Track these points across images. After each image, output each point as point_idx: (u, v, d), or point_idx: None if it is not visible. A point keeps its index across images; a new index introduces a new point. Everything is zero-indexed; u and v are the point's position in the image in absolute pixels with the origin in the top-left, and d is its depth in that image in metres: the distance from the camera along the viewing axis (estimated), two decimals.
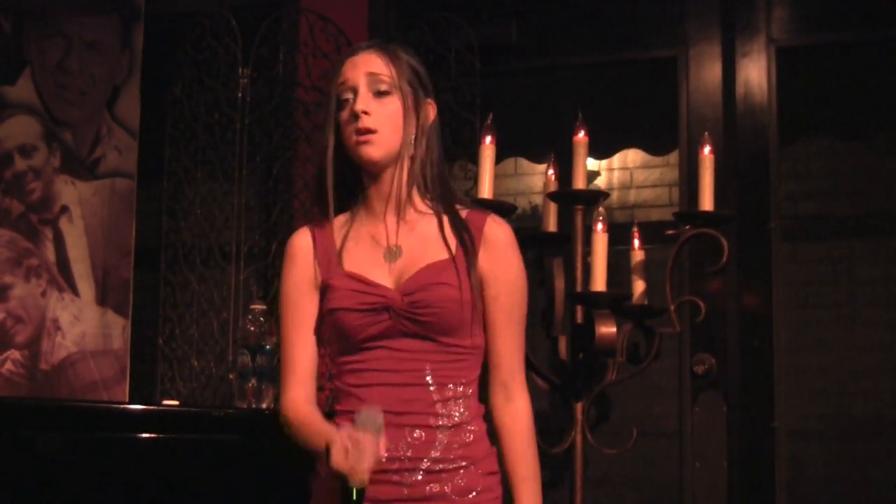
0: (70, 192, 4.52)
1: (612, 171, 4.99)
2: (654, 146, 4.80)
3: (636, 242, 4.13)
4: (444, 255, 2.48)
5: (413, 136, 2.52)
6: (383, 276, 2.48)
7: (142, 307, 4.75)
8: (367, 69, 2.50)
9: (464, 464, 2.45)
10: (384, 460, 2.31)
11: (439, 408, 2.45)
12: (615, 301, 4.03)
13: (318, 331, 2.55)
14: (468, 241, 2.49)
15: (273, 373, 3.74)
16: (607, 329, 3.98)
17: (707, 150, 3.95)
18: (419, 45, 4.56)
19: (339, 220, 2.57)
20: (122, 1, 4.77)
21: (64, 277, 4.46)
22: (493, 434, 2.56)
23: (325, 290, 2.50)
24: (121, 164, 4.70)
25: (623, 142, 4.83)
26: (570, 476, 4.00)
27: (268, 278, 4.43)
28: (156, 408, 3.64)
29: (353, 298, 2.46)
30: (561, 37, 4.80)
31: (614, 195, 4.83)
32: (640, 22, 4.76)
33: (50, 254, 4.43)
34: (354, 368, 2.48)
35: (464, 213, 2.55)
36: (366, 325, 2.45)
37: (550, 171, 4.18)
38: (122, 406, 3.90)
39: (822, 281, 4.55)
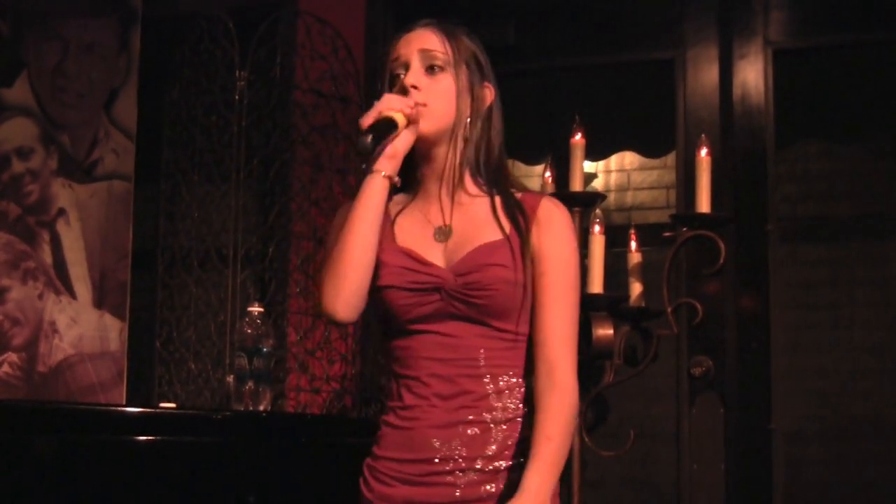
0: (67, 194, 4.52)
1: (610, 172, 5.00)
2: (651, 148, 4.81)
3: (633, 244, 4.13)
4: (498, 236, 2.39)
5: (467, 118, 2.45)
6: (435, 256, 2.39)
7: (139, 310, 4.76)
8: (421, 45, 2.44)
9: (521, 460, 2.33)
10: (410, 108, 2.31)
11: (493, 400, 2.35)
12: (612, 303, 4.03)
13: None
14: (522, 222, 2.40)
15: (270, 375, 3.74)
16: (604, 331, 3.98)
17: (704, 152, 3.95)
18: None
19: (394, 200, 2.47)
20: (120, 4, 4.78)
21: (61, 280, 4.46)
22: None
23: (375, 265, 2.37)
24: (118, 166, 4.70)
25: (620, 144, 4.83)
26: (567, 478, 4.00)
27: (265, 281, 4.43)
28: (153, 410, 3.64)
29: (402, 276, 2.36)
30: (558, 39, 4.81)
31: (612, 197, 4.84)
32: (637, 24, 4.76)
33: (47, 256, 4.43)
34: (402, 356, 2.39)
35: (518, 195, 2.46)
36: (414, 306, 2.35)
37: (547, 173, 4.18)
38: (119, 408, 3.91)
39: (820, 282, 4.55)
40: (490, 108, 2.50)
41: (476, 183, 2.47)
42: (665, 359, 4.32)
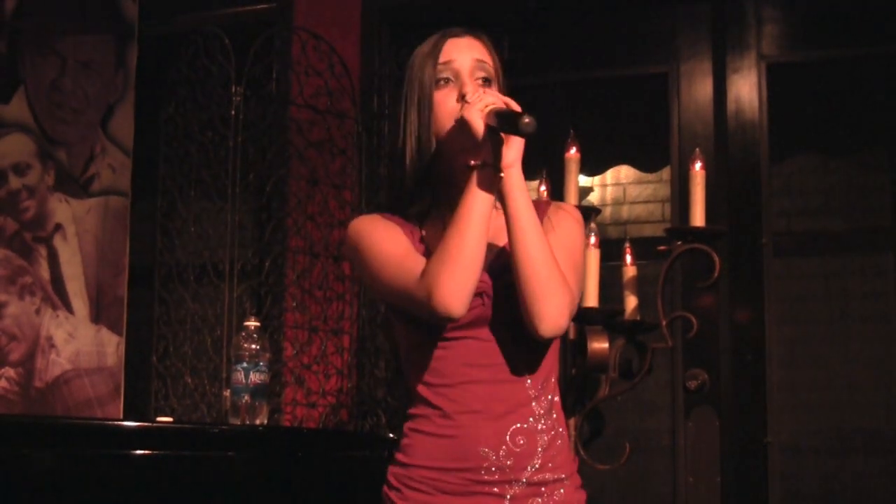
0: (64, 210, 4.53)
1: (606, 186, 5.01)
2: (646, 162, 4.82)
3: (628, 258, 4.14)
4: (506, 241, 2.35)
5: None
6: None
7: (136, 325, 4.76)
8: (475, 55, 2.40)
9: (563, 476, 2.34)
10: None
11: (536, 408, 2.33)
12: (607, 317, 4.04)
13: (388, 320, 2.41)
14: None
15: (266, 389, 3.75)
16: (600, 345, 3.99)
17: (698, 165, 3.97)
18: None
19: (412, 214, 2.43)
20: (116, 21, 4.79)
21: (58, 295, 4.47)
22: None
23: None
24: (115, 182, 4.71)
25: (615, 158, 4.85)
26: None
27: (261, 296, 4.44)
28: (150, 424, 3.64)
29: None
30: (552, 53, 4.82)
31: (608, 211, 4.85)
32: (630, 38, 4.77)
33: (44, 272, 4.44)
34: (438, 366, 2.35)
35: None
36: None
37: (542, 188, 4.19)
38: (116, 423, 3.91)
39: (815, 296, 4.56)
40: None
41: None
42: (660, 372, 4.33)
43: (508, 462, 2.30)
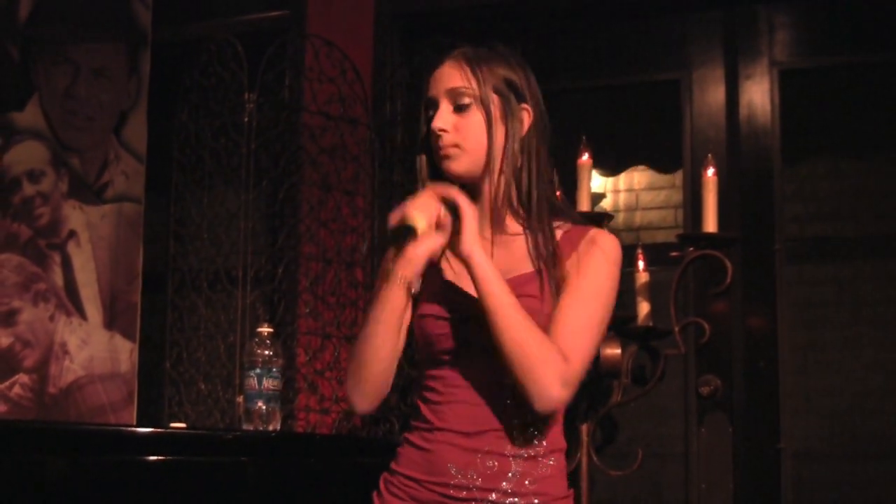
0: (78, 216, 4.54)
1: (618, 192, 5.00)
2: (659, 168, 4.82)
3: (641, 264, 4.14)
4: (529, 269, 2.34)
5: (503, 147, 2.37)
6: (472, 288, 2.32)
7: (149, 331, 4.77)
8: (447, 85, 2.38)
9: (536, 501, 2.33)
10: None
11: (516, 434, 2.33)
12: (620, 323, 4.04)
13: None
14: (551, 256, 2.34)
15: (279, 395, 3.76)
16: (612, 351, 3.99)
17: (710, 171, 3.97)
18: (423, 69, 4.59)
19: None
20: (130, 28, 4.80)
21: (72, 301, 4.48)
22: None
23: (418, 296, 2.37)
24: (128, 188, 4.72)
25: (627, 164, 4.85)
26: (576, 498, 4.00)
27: (274, 302, 4.45)
28: (163, 431, 3.65)
29: (439, 306, 2.35)
30: (564, 60, 4.82)
31: (621, 217, 4.84)
32: (642, 45, 4.78)
33: (58, 278, 4.45)
34: (433, 385, 2.38)
35: (564, 228, 2.40)
36: (447, 336, 2.34)
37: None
38: (129, 429, 3.91)
39: (828, 302, 4.55)
40: (530, 132, 2.41)
41: (517, 219, 2.40)
42: (673, 378, 4.33)
43: (478, 482, 2.31)
